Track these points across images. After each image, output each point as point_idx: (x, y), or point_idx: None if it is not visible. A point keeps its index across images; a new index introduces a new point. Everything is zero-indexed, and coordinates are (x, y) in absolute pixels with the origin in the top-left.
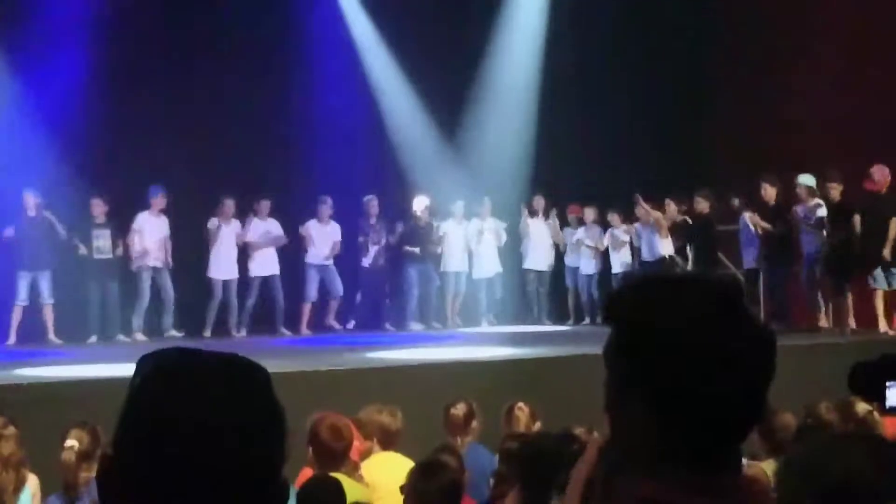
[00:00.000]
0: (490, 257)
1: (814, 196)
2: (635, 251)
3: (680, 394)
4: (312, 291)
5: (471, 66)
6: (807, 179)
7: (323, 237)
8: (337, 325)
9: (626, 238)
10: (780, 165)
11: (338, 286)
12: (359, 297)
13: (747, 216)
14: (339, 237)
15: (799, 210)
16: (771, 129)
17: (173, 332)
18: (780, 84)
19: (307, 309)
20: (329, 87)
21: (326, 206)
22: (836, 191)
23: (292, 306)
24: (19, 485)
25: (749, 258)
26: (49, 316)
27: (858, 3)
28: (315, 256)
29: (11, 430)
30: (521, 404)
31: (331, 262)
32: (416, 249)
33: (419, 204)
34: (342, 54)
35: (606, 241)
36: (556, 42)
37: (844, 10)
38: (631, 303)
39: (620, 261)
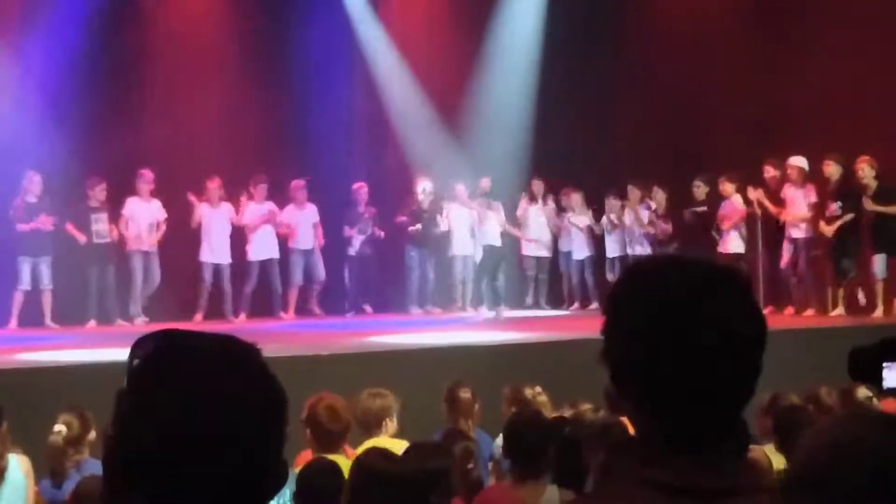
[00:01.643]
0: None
1: (805, 179)
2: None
3: (650, 382)
4: (297, 276)
5: (470, 52)
6: (800, 161)
7: (302, 221)
8: (317, 310)
9: (618, 222)
10: (780, 151)
11: (320, 271)
12: (346, 282)
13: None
14: (317, 219)
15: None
16: (769, 115)
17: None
18: (777, 69)
19: (293, 294)
20: (327, 74)
21: (302, 190)
22: (833, 169)
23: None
24: None
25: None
26: (47, 301)
27: None
28: (297, 241)
29: None
30: (538, 388)
31: (313, 245)
32: (418, 227)
33: (420, 186)
34: (341, 41)
35: (603, 224)
36: (555, 25)
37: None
38: (613, 288)
39: (614, 245)
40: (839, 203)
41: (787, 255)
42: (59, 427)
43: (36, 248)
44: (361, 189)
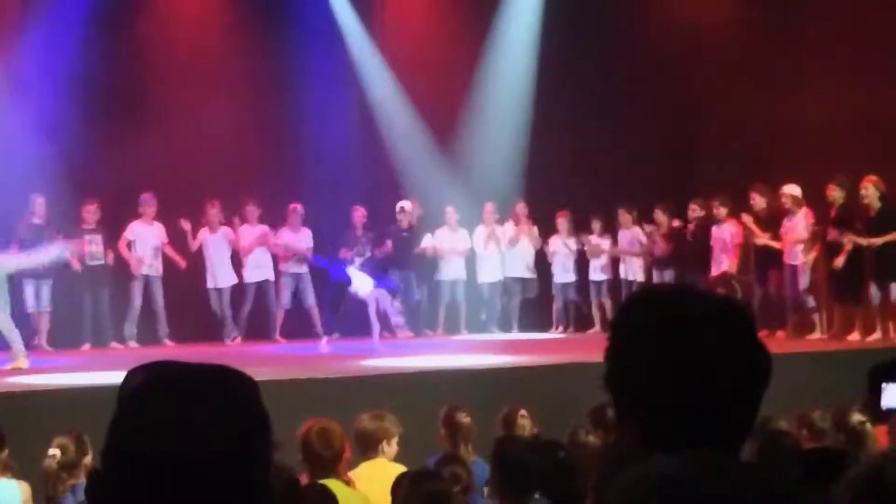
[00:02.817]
0: (494, 264)
1: (800, 206)
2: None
3: (651, 411)
4: (285, 298)
5: (465, 74)
6: (793, 189)
7: (296, 245)
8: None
9: (605, 247)
10: (772, 174)
11: (309, 296)
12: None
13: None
14: (310, 244)
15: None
16: (764, 137)
17: (166, 342)
18: (774, 90)
19: (281, 315)
20: (322, 96)
21: (297, 214)
22: (837, 193)
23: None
24: None
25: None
26: (45, 323)
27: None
28: (289, 264)
29: None
30: (522, 411)
31: (305, 269)
32: (389, 244)
33: (402, 208)
34: (335, 63)
35: (586, 247)
36: (549, 48)
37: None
38: (617, 315)
39: (598, 269)
40: (842, 231)
41: (783, 279)
42: (54, 451)
43: (38, 271)
44: (358, 212)
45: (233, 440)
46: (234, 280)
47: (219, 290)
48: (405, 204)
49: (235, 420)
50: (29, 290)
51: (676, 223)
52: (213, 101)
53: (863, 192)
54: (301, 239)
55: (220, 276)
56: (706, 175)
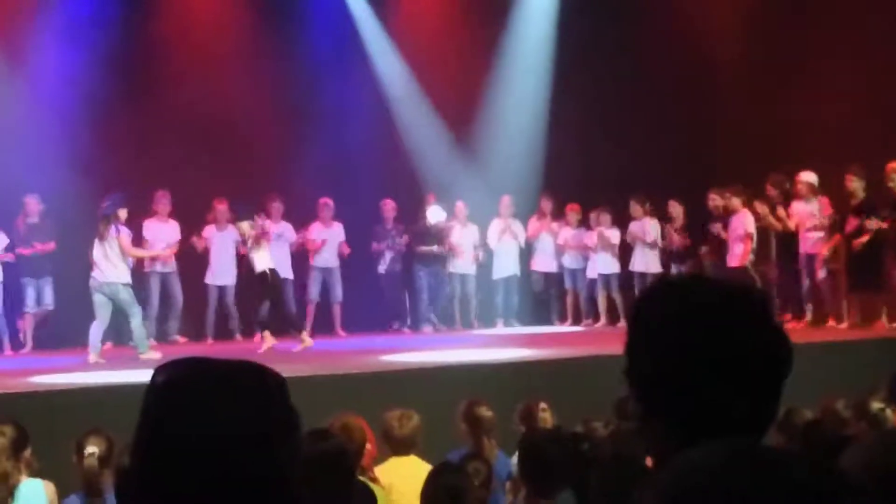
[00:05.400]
0: (511, 257)
1: (815, 194)
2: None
3: (658, 397)
4: (314, 293)
5: (481, 68)
6: (809, 176)
7: (328, 240)
8: (341, 332)
9: (616, 241)
10: (787, 165)
11: (338, 291)
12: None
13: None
14: (343, 237)
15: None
16: (778, 129)
17: (176, 338)
18: (788, 83)
19: (311, 310)
20: (341, 92)
21: (328, 209)
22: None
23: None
24: (6, 495)
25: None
26: (44, 321)
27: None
28: (319, 259)
29: (1, 441)
30: (543, 405)
31: (336, 264)
32: (432, 248)
33: (430, 207)
34: (354, 59)
35: (596, 240)
36: (566, 41)
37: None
38: (633, 307)
39: (608, 261)
40: (868, 216)
41: (801, 268)
42: (92, 449)
43: (36, 270)
44: (388, 205)
45: (261, 436)
46: (234, 280)
47: (219, 288)
48: (435, 208)
49: (264, 415)
50: (29, 290)
51: (693, 218)
52: (229, 97)
53: (890, 182)
54: (333, 233)
55: (221, 273)
56: (723, 168)
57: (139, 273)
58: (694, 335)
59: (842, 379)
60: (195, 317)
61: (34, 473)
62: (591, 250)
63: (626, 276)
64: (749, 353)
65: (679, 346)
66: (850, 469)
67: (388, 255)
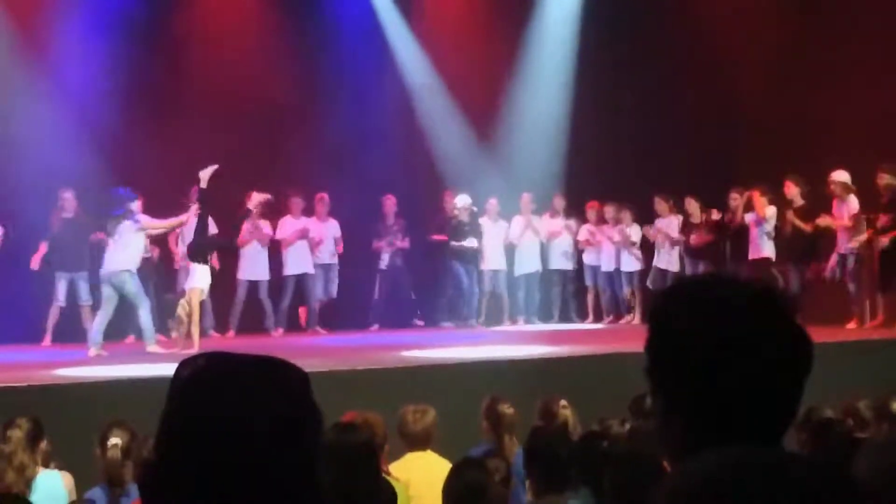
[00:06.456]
0: (532, 254)
1: (849, 192)
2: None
3: (679, 396)
4: (318, 290)
5: (504, 64)
6: (842, 176)
7: (324, 235)
8: (321, 330)
9: (637, 238)
10: (808, 165)
11: (333, 288)
12: (376, 295)
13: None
14: (338, 233)
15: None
16: (800, 128)
17: (210, 332)
18: (814, 82)
19: (318, 306)
20: (363, 88)
21: (323, 204)
22: (887, 181)
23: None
24: (24, 486)
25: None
26: (88, 317)
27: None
28: (317, 255)
29: (17, 433)
30: (563, 401)
31: (334, 261)
32: (473, 244)
33: (460, 202)
34: (375, 54)
35: (617, 237)
36: (588, 40)
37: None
38: (654, 305)
39: (629, 259)
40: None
41: (832, 267)
42: (115, 440)
43: (72, 264)
44: (389, 200)
45: (284, 430)
46: (267, 275)
47: (251, 283)
48: (463, 198)
49: (287, 410)
50: (61, 285)
51: (716, 215)
52: (252, 94)
53: None
54: (328, 229)
55: (252, 268)
56: (744, 167)
57: (168, 268)
58: (714, 333)
59: (867, 379)
60: (224, 310)
61: (50, 465)
62: (616, 245)
63: (646, 273)
64: (769, 351)
65: (699, 344)
66: (863, 471)
67: (389, 251)
